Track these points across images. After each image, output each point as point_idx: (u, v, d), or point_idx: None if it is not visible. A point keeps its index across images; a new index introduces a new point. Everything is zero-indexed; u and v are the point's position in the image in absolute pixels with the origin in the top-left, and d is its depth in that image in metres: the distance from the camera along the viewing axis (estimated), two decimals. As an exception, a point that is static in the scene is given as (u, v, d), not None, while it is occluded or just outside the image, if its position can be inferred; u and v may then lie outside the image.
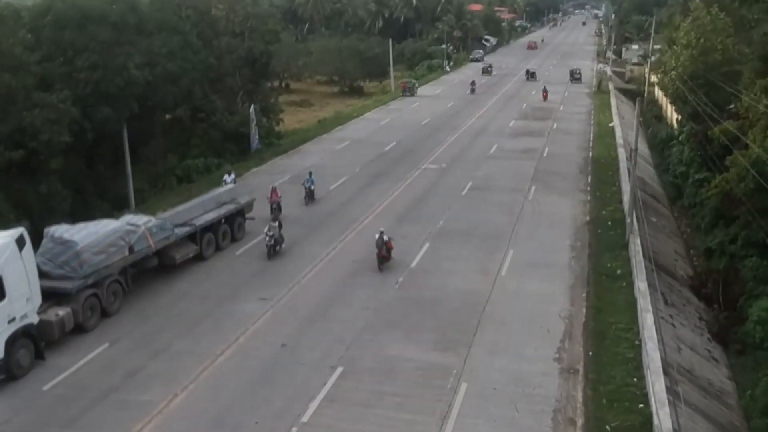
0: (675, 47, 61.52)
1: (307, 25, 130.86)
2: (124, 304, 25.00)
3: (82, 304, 22.91)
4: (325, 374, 20.51)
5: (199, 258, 28.98)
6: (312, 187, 37.48)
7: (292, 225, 33.47)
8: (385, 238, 28.35)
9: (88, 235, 23.90)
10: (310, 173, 38.20)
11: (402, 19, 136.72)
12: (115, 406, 19.16)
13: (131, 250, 25.24)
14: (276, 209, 34.45)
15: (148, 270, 26.96)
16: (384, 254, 28.39)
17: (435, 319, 24.10)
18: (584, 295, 26.34)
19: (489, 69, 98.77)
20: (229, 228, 31.11)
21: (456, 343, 22.40)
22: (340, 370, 20.78)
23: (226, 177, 37.00)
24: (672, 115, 62.86)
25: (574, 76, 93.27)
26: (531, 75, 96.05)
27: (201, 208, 30.03)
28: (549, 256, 30.04)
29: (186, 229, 28.33)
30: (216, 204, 30.87)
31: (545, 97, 76.03)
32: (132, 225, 25.81)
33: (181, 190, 40.82)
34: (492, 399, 19.45)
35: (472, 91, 62.62)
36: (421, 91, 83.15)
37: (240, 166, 45.67)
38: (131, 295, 25.58)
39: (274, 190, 35.36)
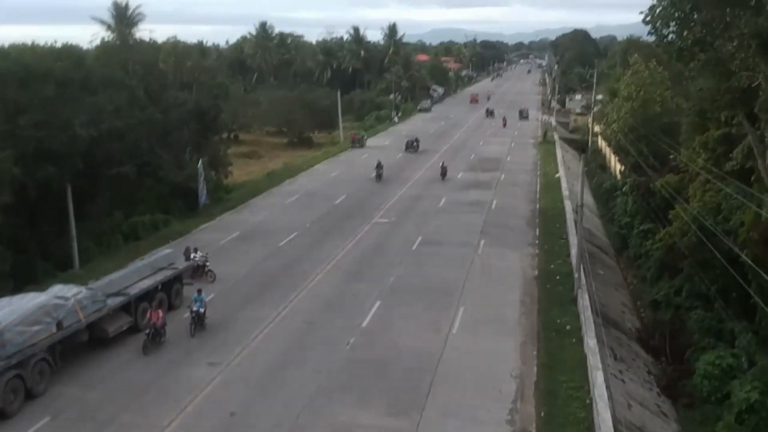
0: (616, 99, 63.56)
1: (255, 76, 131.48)
2: (66, 371, 24.17)
3: (3, 387, 21.36)
4: (276, 444, 20.08)
5: (134, 329, 27.45)
6: (201, 310, 28.17)
7: (241, 285, 33.10)
8: None
9: (11, 312, 22.62)
10: (199, 291, 28.79)
11: (350, 69, 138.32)
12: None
13: (59, 325, 23.73)
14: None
15: (78, 345, 25.41)
16: None
17: (387, 381, 23.89)
18: (535, 352, 26.47)
19: (415, 144, 75.86)
20: (165, 296, 29.44)
21: (409, 407, 22.20)
22: (291, 439, 20.38)
23: (194, 255, 33.29)
24: (615, 165, 64.46)
25: (523, 115, 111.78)
26: (490, 113, 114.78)
27: (136, 275, 28.65)
28: (499, 313, 30.17)
29: (119, 300, 26.73)
30: (152, 270, 29.53)
31: (504, 125, 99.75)
32: (60, 298, 24.34)
33: (128, 248, 40.06)
34: (446, 465, 19.25)
35: (378, 177, 55.14)
36: (371, 142, 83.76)
37: (188, 223, 45.21)
38: (73, 363, 24.75)
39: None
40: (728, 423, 22.67)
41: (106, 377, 24.22)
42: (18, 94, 34.96)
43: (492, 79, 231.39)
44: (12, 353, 21.92)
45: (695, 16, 29.54)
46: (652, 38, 32.89)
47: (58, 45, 47.63)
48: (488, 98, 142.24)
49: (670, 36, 30.25)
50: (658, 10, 29.77)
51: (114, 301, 26.57)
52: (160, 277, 29.43)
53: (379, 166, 59.07)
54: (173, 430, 20.92)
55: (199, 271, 32.78)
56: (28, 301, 23.80)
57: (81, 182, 37.68)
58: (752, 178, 30.92)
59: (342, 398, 22.75)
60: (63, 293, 24.89)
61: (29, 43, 49.45)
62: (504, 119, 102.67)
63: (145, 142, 43.17)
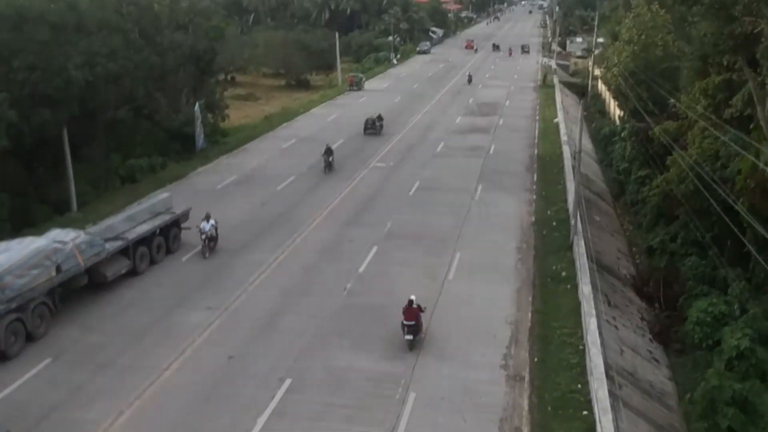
0: (617, 42, 62.75)
1: (252, 17, 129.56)
2: (66, 314, 24.47)
3: (4, 329, 21.64)
4: (273, 387, 20.42)
5: (132, 273, 27.76)
6: (212, 233, 30.53)
7: (238, 229, 33.23)
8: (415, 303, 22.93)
9: (10, 256, 22.73)
10: (208, 215, 30.63)
11: (348, 11, 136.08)
12: (58, 426, 18.78)
13: (58, 269, 23.85)
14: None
15: (78, 289, 25.62)
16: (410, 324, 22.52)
17: (383, 326, 24.11)
18: (530, 299, 26.74)
19: (377, 124, 55.85)
20: (163, 240, 29.72)
21: (404, 352, 22.49)
22: (288, 382, 20.72)
23: (204, 224, 30.32)
24: (615, 110, 64.09)
25: (524, 50, 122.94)
26: (496, 47, 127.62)
27: (133, 219, 28.66)
28: (495, 259, 30.37)
29: (118, 244, 26.91)
30: (149, 214, 29.53)
31: (511, 53, 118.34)
32: (59, 242, 24.40)
33: (125, 191, 40.12)
34: (440, 409, 19.64)
35: (327, 167, 43.34)
36: (369, 85, 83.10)
37: (185, 166, 45.12)
38: (73, 306, 25.03)
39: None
40: (718, 369, 23.01)
41: (106, 320, 24.51)
42: (11, 38, 34.56)
43: (487, 23, 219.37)
44: (12, 297, 22.10)
45: (699, -43, 29.06)
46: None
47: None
48: (475, 50, 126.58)
49: (674, -22, 29.78)
50: (662, -47, 29.24)
51: (112, 246, 26.70)
52: (158, 221, 29.53)
53: (327, 152, 44.24)
54: (172, 373, 21.24)
55: (212, 242, 30.49)
56: (27, 245, 23.85)
57: (77, 126, 37.52)
58: (751, 126, 30.78)
59: (338, 343, 23.07)
60: (61, 237, 24.94)
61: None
62: (510, 50, 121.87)
63: (140, 85, 42.88)
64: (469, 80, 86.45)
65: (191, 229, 31.29)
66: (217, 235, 30.66)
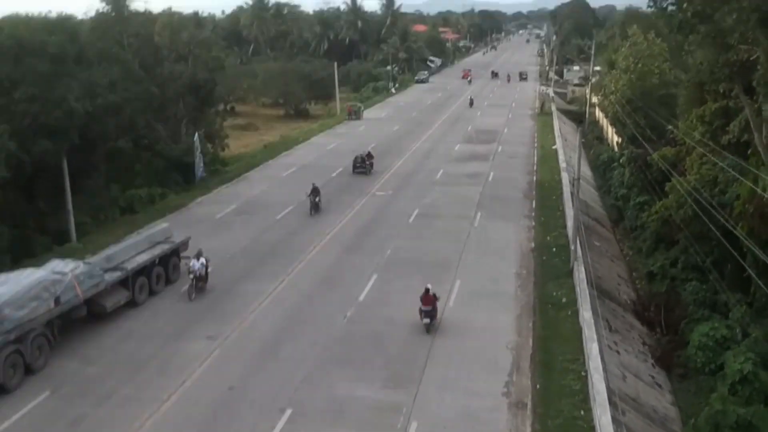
0: (614, 70, 63.33)
1: (251, 47, 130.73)
2: (65, 346, 24.34)
3: (3, 362, 21.45)
4: (274, 417, 20.26)
5: (131, 304, 27.48)
6: (201, 273, 29.11)
7: (238, 258, 33.24)
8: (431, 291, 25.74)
9: (9, 288, 22.65)
10: (199, 253, 29.60)
11: (347, 40, 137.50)
12: (57, 458, 18.64)
13: (57, 301, 23.69)
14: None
15: (77, 320, 25.42)
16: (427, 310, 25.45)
17: (384, 354, 24.06)
18: (531, 325, 26.65)
19: (367, 163, 51.78)
20: (163, 270, 29.50)
21: (406, 380, 22.40)
22: (289, 412, 20.55)
23: (193, 262, 29.06)
24: (613, 137, 64.41)
25: (522, 76, 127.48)
26: (495, 74, 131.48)
27: (133, 249, 28.54)
28: (495, 286, 30.33)
29: (117, 275, 26.77)
30: (149, 244, 29.46)
31: (510, 79, 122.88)
32: (58, 273, 24.32)
33: (124, 221, 40.13)
34: (442, 437, 19.49)
35: (314, 208, 40.36)
36: (367, 113, 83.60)
37: (185, 196, 45.20)
38: (72, 338, 24.91)
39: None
40: (722, 394, 22.91)
41: (105, 352, 24.37)
42: (12, 69, 34.74)
43: (484, 53, 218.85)
44: (10, 329, 21.98)
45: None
46: (651, 9, 32.74)
47: (53, 15, 47.25)
48: (469, 81, 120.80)
49: (670, 8, 30.10)
50: (657, -18, 29.61)
51: (111, 276, 26.61)
52: (158, 251, 29.42)
53: (314, 192, 41.17)
54: (172, 404, 21.09)
55: (200, 282, 29.13)
56: (26, 276, 23.78)
57: (77, 157, 37.59)
58: (749, 152, 30.96)
59: (339, 371, 22.94)
60: (60, 268, 24.84)
61: (23, 13, 49.03)
62: (508, 76, 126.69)
63: (140, 116, 43.04)
64: (471, 104, 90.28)
65: (190, 258, 31.25)
66: (207, 274, 29.18)
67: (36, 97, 34.37)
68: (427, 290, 25.60)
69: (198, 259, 29.00)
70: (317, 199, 40.84)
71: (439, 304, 26.40)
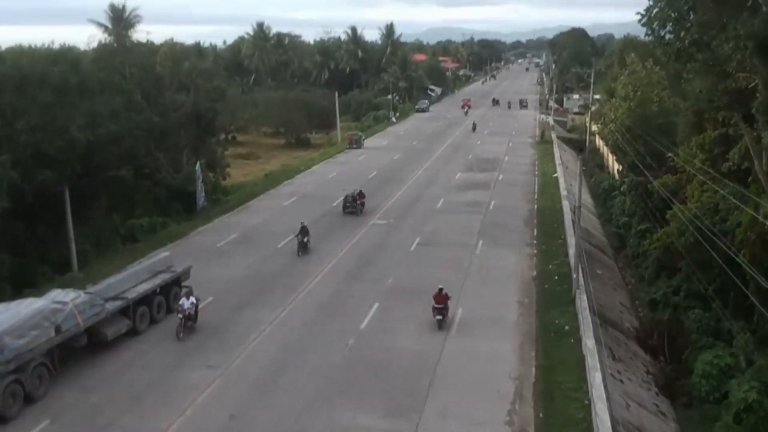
0: (613, 99, 63.66)
1: (252, 77, 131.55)
2: (65, 374, 24.21)
3: (2, 391, 21.40)
4: (275, 447, 20.10)
5: (132, 333, 27.52)
6: (191, 312, 28.35)
7: (239, 287, 33.17)
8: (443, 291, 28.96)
9: (10, 317, 22.64)
10: (189, 291, 29.78)
11: (348, 70, 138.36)
12: (55, 490, 18.43)
13: (58, 330, 23.69)
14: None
15: (77, 349, 25.38)
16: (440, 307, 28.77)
17: (386, 383, 23.93)
18: (533, 353, 26.50)
19: (357, 203, 48.07)
20: (164, 299, 29.49)
21: (408, 409, 22.24)
22: (290, 442, 20.41)
23: (183, 301, 28.37)
24: (613, 164, 64.56)
25: (523, 104, 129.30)
26: (496, 102, 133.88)
27: (134, 278, 28.54)
28: (497, 314, 30.22)
29: (118, 304, 26.76)
30: (150, 273, 29.46)
31: (510, 106, 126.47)
32: (58, 302, 24.33)
33: (125, 251, 40.09)
34: (445, 467, 19.29)
35: (302, 247, 38.22)
36: (368, 142, 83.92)
37: (186, 225, 45.24)
38: (72, 367, 24.78)
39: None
40: (726, 423, 22.72)
41: (106, 381, 24.23)
42: (15, 99, 35.03)
43: (483, 83, 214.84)
44: (11, 358, 21.91)
45: (692, 17, 29.60)
46: (649, 37, 32.97)
47: (55, 46, 47.81)
48: (466, 113, 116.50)
49: (667, 37, 30.31)
50: (654, 11, 29.83)
51: (112, 305, 26.56)
52: (159, 280, 29.42)
53: (303, 231, 38.94)
54: (173, 434, 20.95)
55: (189, 322, 28.16)
56: (27, 306, 23.77)
57: (78, 186, 37.69)
58: (749, 179, 30.99)
59: (341, 400, 22.78)
60: (61, 298, 24.86)
61: (26, 45, 49.63)
62: (509, 103, 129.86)
63: (142, 145, 43.21)
64: (474, 128, 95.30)
65: (192, 287, 31.25)
66: (197, 313, 28.42)
67: (38, 127, 34.64)
68: (440, 290, 29.03)
69: (188, 298, 28.41)
70: (306, 240, 38.52)
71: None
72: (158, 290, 29.27)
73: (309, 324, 29.13)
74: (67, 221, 36.95)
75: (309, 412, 22.10)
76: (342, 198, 48.07)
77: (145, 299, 28.36)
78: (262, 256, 38.45)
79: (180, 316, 27.84)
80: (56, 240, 37.58)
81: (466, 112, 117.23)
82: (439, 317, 28.51)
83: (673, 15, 29.76)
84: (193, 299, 28.48)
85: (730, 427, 22.10)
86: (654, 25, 30.03)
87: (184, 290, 29.68)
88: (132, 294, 27.73)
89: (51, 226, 37.97)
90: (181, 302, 28.24)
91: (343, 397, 23.06)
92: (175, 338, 27.52)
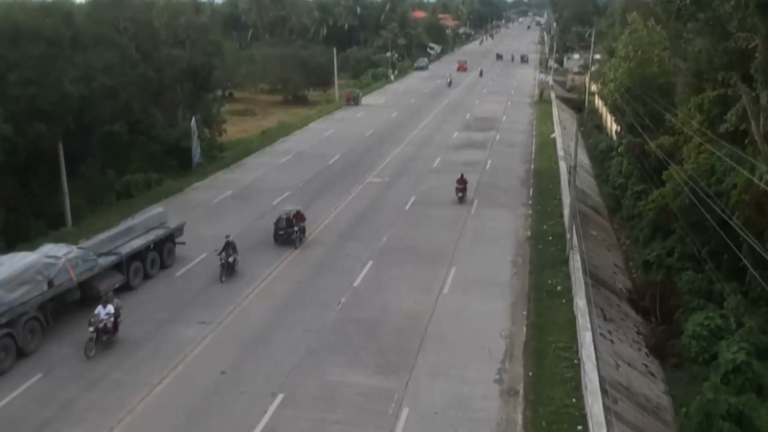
0: (614, 59, 63.05)
1: (250, 32, 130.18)
2: (58, 329, 24.28)
3: None
4: (265, 402, 20.21)
5: (125, 288, 27.54)
6: (108, 325, 23.30)
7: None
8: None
9: (1, 271, 22.62)
10: (106, 299, 23.88)
11: (346, 26, 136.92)
12: (47, 442, 18.60)
13: (50, 284, 23.70)
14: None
15: (70, 304, 25.40)
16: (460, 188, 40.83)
17: (377, 341, 24.01)
18: (525, 313, 26.59)
19: (291, 231, 33.56)
20: (158, 255, 29.53)
21: (398, 367, 22.34)
22: (280, 397, 20.51)
23: (99, 310, 23.23)
24: (611, 125, 64.23)
25: (524, 59, 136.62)
26: (500, 57, 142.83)
27: (127, 234, 28.57)
28: (491, 273, 30.26)
29: (111, 259, 26.76)
30: (143, 229, 29.43)
31: (513, 59, 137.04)
32: (51, 257, 24.28)
33: (120, 206, 39.96)
34: (433, 424, 19.44)
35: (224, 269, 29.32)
36: (366, 100, 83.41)
37: (181, 181, 45.12)
38: (65, 320, 24.85)
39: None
40: (714, 383, 22.85)
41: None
42: (7, 52, 34.54)
43: (480, 43, 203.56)
44: (2, 312, 21.95)
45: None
46: (650, -3, 32.60)
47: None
48: (480, 74, 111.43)
49: (669, -6, 29.93)
50: (656, -31, 29.41)
51: (105, 260, 26.57)
52: (152, 236, 29.42)
53: (227, 248, 29.49)
54: (164, 389, 21.06)
55: (105, 336, 23.25)
56: (19, 260, 23.74)
57: (72, 141, 37.53)
58: (746, 141, 30.84)
59: (331, 358, 22.89)
60: (54, 252, 24.85)
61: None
62: (512, 56, 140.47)
63: (137, 100, 42.84)
64: (480, 74, 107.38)
65: (186, 243, 31.29)
66: (116, 324, 23.56)
67: (31, 81, 34.19)
68: (461, 174, 41.07)
69: (105, 306, 23.38)
70: (231, 259, 29.64)
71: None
72: (152, 246, 29.26)
73: (302, 282, 29.17)
74: (61, 176, 36.83)
75: (300, 369, 22.21)
76: (275, 220, 34.25)
77: (138, 255, 28.35)
78: (257, 212, 38.37)
79: (91, 329, 22.79)
80: (50, 195, 37.53)
81: (449, 83, 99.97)
82: (460, 194, 40.17)
83: (675, -28, 29.37)
84: (111, 307, 23.39)
85: (718, 388, 22.23)
86: (656, -17, 29.66)
87: (104, 297, 24.25)
88: (125, 249, 27.72)
89: (45, 181, 37.91)
90: (96, 311, 23.21)
91: (334, 354, 23.15)
92: (168, 293, 27.58)
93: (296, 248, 32.70)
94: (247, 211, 38.83)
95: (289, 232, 33.31)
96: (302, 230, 33.82)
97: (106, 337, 23.24)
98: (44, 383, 21.43)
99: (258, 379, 21.55)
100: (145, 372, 21.91)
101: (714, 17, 28.32)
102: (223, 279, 29.04)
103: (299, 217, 33.93)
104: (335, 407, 20.14)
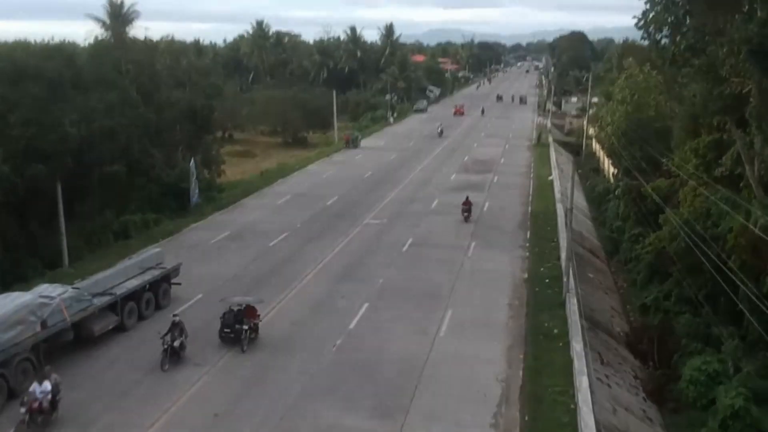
0: (611, 102, 63.72)
1: (252, 75, 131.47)
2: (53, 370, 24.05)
3: None
4: (258, 446, 20.01)
5: (120, 329, 27.40)
6: (45, 404, 20.57)
7: (229, 285, 33.08)
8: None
9: None
10: (44, 375, 21.23)
11: (346, 69, 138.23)
12: (36, 485, 18.31)
13: (44, 324, 23.57)
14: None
15: (64, 345, 25.16)
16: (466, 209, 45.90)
17: (373, 383, 23.83)
18: (521, 356, 26.42)
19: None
20: (153, 295, 29.36)
21: (393, 410, 22.14)
22: (274, 440, 20.31)
23: (34, 387, 20.78)
24: (609, 168, 64.56)
25: (522, 101, 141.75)
26: (500, 98, 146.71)
27: (122, 274, 28.54)
28: (487, 316, 30.15)
29: (106, 299, 26.66)
30: (139, 269, 29.41)
31: (513, 100, 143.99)
32: (45, 297, 24.22)
33: (118, 247, 39.93)
34: (428, 469, 19.21)
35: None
36: (365, 142, 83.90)
37: (179, 222, 45.17)
38: (60, 361, 24.63)
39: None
40: (712, 429, 22.68)
41: (91, 377, 24.08)
42: (8, 92, 34.87)
43: (477, 87, 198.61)
44: (-6, 353, 21.75)
45: (688, 21, 29.65)
46: (645, 41, 32.99)
47: (53, 41, 47.65)
48: (482, 112, 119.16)
49: (663, 41, 30.34)
50: (651, 15, 29.88)
51: (100, 301, 26.46)
52: (148, 276, 29.34)
53: (173, 329, 25.19)
54: (157, 431, 20.83)
55: (41, 416, 20.55)
56: (13, 300, 23.66)
57: (71, 181, 37.61)
58: (741, 185, 30.98)
59: (326, 400, 22.68)
60: (48, 292, 24.79)
61: (22, 39, 49.44)
62: (513, 98, 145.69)
63: (136, 141, 43.10)
64: (482, 112, 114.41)
65: (181, 284, 31.21)
66: (54, 403, 20.94)
67: (31, 121, 34.51)
68: (467, 197, 46.69)
69: (41, 383, 20.77)
70: (178, 343, 25.14)
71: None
72: (147, 286, 29.15)
73: (297, 323, 29.03)
74: (59, 216, 36.82)
75: (295, 411, 22.01)
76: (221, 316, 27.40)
77: (133, 295, 28.26)
78: (254, 254, 38.36)
79: (23, 409, 20.15)
80: (48, 235, 37.46)
81: (440, 132, 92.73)
82: (465, 214, 45.44)
83: (669, 19, 29.80)
84: (47, 384, 20.79)
85: (716, 434, 22.06)
86: (650, 29, 30.09)
87: (42, 371, 21.72)
88: (120, 290, 27.62)
89: (43, 221, 37.88)
90: (32, 388, 20.69)
91: (330, 397, 22.96)
92: (186, 315, 27.14)
93: (243, 351, 26.03)
94: (244, 251, 38.83)
95: (237, 330, 26.40)
96: (252, 328, 26.93)
97: (41, 418, 20.43)
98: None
99: (251, 422, 21.32)
100: (138, 414, 21.61)
101: (708, 63, 28.66)
102: (166, 367, 24.40)
103: (250, 312, 27.24)
104: (329, 451, 19.90)
